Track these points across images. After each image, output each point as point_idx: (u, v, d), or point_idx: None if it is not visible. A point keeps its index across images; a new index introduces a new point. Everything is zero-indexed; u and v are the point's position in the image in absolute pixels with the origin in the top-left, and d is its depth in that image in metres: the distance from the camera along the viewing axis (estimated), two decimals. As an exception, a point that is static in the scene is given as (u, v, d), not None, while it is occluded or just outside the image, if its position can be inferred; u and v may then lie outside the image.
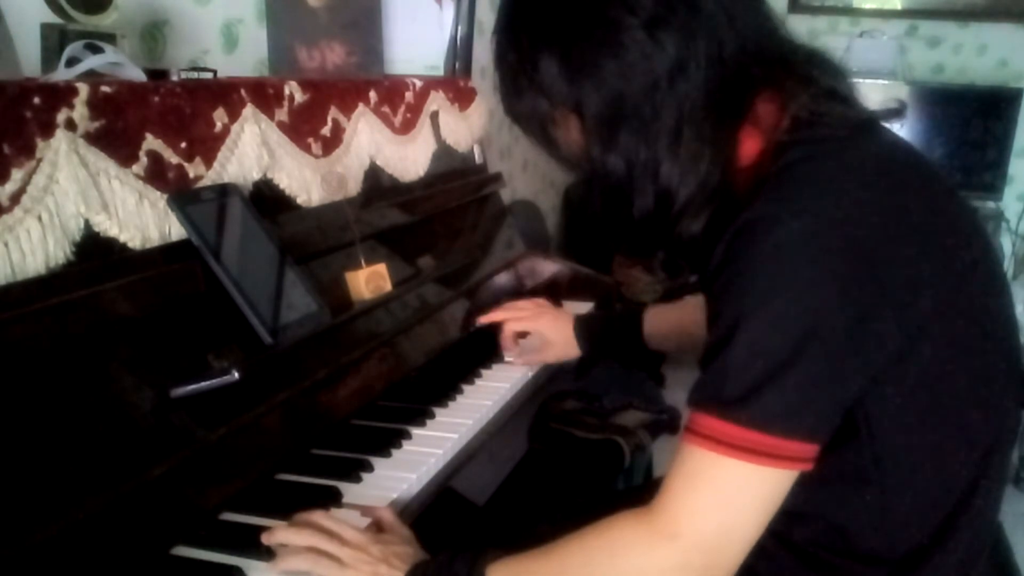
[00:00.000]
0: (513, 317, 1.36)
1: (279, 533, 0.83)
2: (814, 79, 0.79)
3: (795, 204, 0.72)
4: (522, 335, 1.37)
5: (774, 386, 0.71)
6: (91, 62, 0.99)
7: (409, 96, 1.49)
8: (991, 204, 3.19)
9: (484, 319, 1.36)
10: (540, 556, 0.81)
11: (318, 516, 0.86)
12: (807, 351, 0.71)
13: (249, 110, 1.09)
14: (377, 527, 0.90)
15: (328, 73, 1.47)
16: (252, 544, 0.83)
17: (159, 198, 0.93)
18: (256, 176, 1.09)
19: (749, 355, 0.72)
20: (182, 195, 0.96)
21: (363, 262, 1.23)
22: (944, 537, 0.80)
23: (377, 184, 1.37)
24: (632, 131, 0.78)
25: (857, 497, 0.80)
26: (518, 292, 1.72)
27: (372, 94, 1.37)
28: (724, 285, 0.74)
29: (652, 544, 0.75)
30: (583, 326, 1.33)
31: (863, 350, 0.73)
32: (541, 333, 1.34)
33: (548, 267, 1.79)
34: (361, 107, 1.34)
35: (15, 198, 0.78)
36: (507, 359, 1.36)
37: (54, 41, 1.02)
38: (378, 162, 1.38)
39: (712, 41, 0.76)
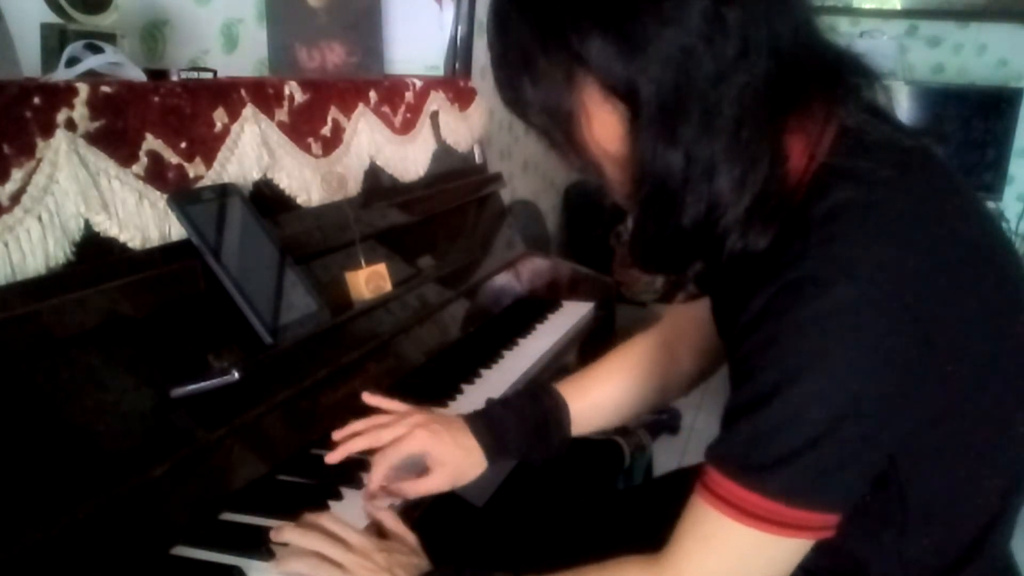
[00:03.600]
0: (373, 442, 0.94)
1: (285, 533, 0.83)
2: (859, 89, 0.74)
3: (845, 267, 0.66)
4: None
5: (806, 458, 0.68)
6: (91, 62, 0.99)
7: (409, 96, 1.49)
8: (991, 204, 3.19)
9: (331, 457, 0.93)
10: None
11: (325, 519, 0.84)
12: (846, 423, 0.67)
13: (249, 110, 1.09)
14: (380, 530, 0.89)
15: (328, 73, 1.47)
16: (252, 544, 0.83)
17: (159, 198, 0.93)
18: (256, 176, 1.09)
19: (784, 425, 0.68)
20: (182, 195, 0.96)
21: (363, 262, 1.23)
22: (960, 568, 0.79)
23: (377, 184, 1.37)
24: (694, 122, 0.68)
25: (877, 533, 0.79)
26: (518, 292, 1.73)
27: (372, 94, 1.37)
28: (762, 344, 0.69)
29: None
30: (487, 430, 0.99)
31: (903, 416, 0.70)
32: (428, 455, 0.95)
33: (548, 267, 1.79)
34: (361, 107, 1.34)
35: (15, 198, 0.78)
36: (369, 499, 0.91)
37: (54, 41, 1.02)
38: (378, 162, 1.38)
39: (772, 28, 0.68)
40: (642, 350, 1.12)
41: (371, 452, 0.95)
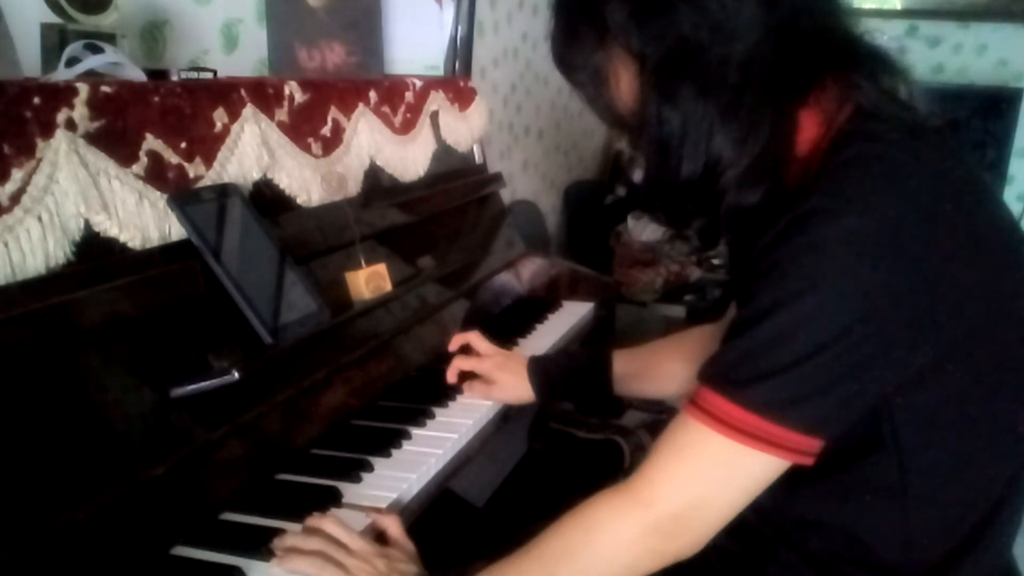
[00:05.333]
0: (464, 361, 1.24)
1: (289, 539, 0.83)
2: (875, 75, 0.77)
3: (852, 201, 0.70)
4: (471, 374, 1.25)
5: (787, 376, 0.70)
6: (91, 62, 0.98)
7: (409, 96, 1.49)
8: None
9: (452, 346, 1.27)
10: (521, 554, 0.81)
11: (328, 523, 0.85)
12: (831, 350, 0.70)
13: (249, 110, 1.09)
14: (380, 536, 0.89)
15: (328, 73, 1.47)
16: (252, 544, 0.83)
17: (159, 198, 0.93)
18: (256, 176, 1.09)
19: (772, 342, 0.71)
20: (182, 195, 0.96)
21: (363, 262, 1.23)
22: (963, 555, 0.80)
23: (377, 184, 1.37)
24: (694, 84, 0.75)
25: (878, 510, 0.79)
26: (518, 292, 1.73)
27: (372, 94, 1.37)
28: (766, 269, 0.73)
29: (625, 511, 0.77)
30: (538, 370, 1.22)
31: (889, 360, 0.71)
32: (487, 374, 1.23)
33: (548, 267, 1.79)
34: (361, 107, 1.34)
35: (15, 198, 0.78)
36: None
37: (54, 41, 1.02)
38: (378, 162, 1.37)
39: (788, 8, 0.74)
40: (698, 334, 1.20)
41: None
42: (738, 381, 0.72)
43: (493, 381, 1.22)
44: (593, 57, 0.80)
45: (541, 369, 1.22)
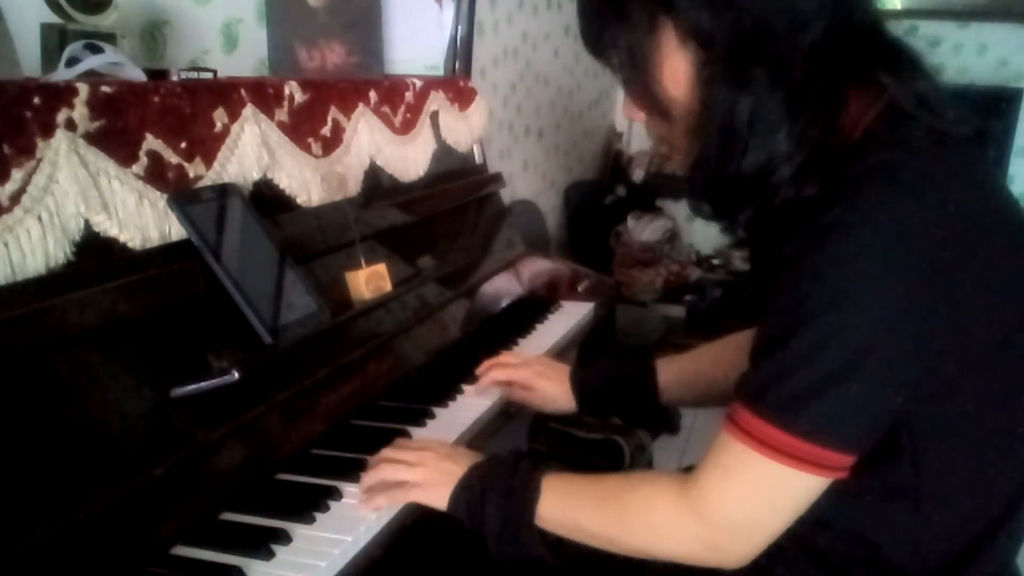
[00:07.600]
0: (500, 371, 1.22)
1: (364, 478, 0.93)
2: (910, 78, 0.77)
3: (877, 213, 0.69)
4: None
5: (824, 396, 0.70)
6: (91, 62, 0.99)
7: (409, 96, 1.49)
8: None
9: (478, 387, 1.23)
10: (589, 484, 0.86)
11: (382, 454, 0.96)
12: (863, 365, 0.69)
13: (249, 110, 1.09)
14: None
15: (328, 73, 1.47)
16: (252, 544, 0.83)
17: (159, 198, 0.93)
18: (256, 176, 1.09)
19: (804, 360, 0.71)
20: (182, 195, 0.96)
21: (363, 262, 1.23)
22: (969, 560, 0.80)
23: (377, 184, 1.37)
24: (767, 71, 0.73)
25: (890, 512, 0.80)
26: (518, 292, 1.72)
27: (372, 94, 1.37)
28: (791, 281, 0.72)
29: (685, 521, 0.78)
30: (581, 381, 1.19)
31: (918, 371, 0.72)
32: (525, 382, 1.21)
33: (548, 267, 1.79)
34: (361, 107, 1.34)
35: (15, 198, 0.78)
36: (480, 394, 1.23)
37: (54, 41, 1.02)
38: (378, 162, 1.38)
39: (848, 1, 0.74)
40: (741, 340, 1.17)
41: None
42: (777, 404, 0.72)
43: (532, 388, 1.20)
44: (639, 40, 0.76)
45: (585, 379, 1.19)
